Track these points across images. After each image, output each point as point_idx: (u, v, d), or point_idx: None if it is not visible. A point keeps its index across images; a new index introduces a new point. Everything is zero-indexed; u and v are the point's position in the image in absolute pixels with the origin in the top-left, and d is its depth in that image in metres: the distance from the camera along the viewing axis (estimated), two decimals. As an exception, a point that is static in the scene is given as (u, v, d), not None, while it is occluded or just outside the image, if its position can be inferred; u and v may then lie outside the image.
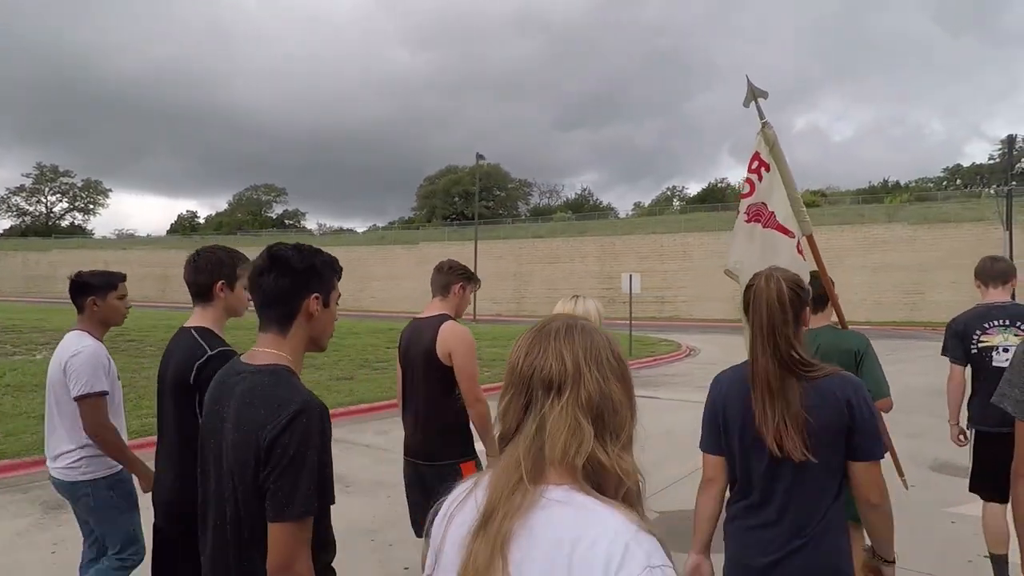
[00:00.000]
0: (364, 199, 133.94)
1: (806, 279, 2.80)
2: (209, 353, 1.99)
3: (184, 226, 72.38)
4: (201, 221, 74.98)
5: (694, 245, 37.67)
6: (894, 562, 1.74)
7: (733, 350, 19.20)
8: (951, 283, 31.42)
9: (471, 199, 62.58)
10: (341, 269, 1.59)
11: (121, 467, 2.59)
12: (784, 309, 1.65)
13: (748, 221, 3.01)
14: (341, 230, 70.11)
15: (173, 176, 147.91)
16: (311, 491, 1.31)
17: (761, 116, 3.00)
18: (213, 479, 1.44)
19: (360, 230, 63.94)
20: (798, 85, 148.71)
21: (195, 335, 2.07)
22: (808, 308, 1.77)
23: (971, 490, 3.39)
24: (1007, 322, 3.25)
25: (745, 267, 2.89)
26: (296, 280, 1.46)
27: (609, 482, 0.88)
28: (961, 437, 3.52)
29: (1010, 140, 27.04)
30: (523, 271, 42.35)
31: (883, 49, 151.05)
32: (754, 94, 3.01)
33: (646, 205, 66.52)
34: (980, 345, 3.30)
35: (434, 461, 2.78)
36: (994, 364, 3.23)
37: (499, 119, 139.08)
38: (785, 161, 3.00)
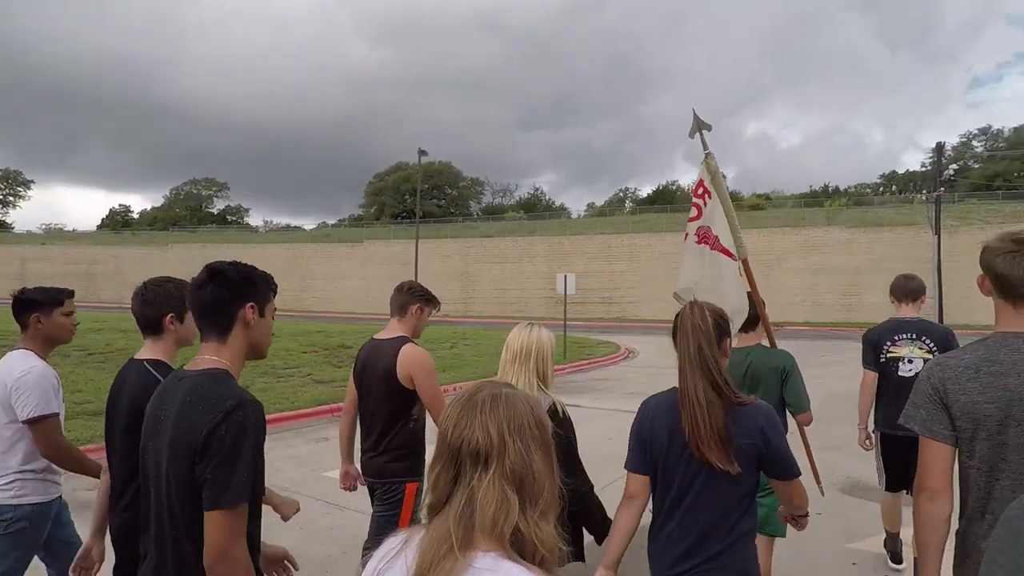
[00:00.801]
0: (321, 196, 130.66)
1: (745, 300, 3.01)
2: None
3: (116, 221, 68.24)
4: (135, 216, 71.04)
5: (641, 246, 37.69)
6: (807, 515, 2.00)
7: (668, 349, 19.37)
8: (885, 285, 32.12)
9: (422, 196, 61.37)
10: (276, 286, 1.69)
11: (51, 499, 2.52)
12: (709, 333, 1.79)
13: (699, 243, 3.10)
14: (288, 227, 67.59)
15: (119, 170, 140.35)
16: (245, 480, 1.39)
17: (705, 147, 3.12)
18: (152, 483, 1.50)
19: (309, 227, 61.77)
20: (749, 93, 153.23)
21: (148, 367, 2.06)
22: (728, 339, 1.91)
23: (880, 483, 3.75)
24: (914, 336, 3.52)
25: (702, 288, 2.92)
26: (232, 290, 1.56)
27: (527, 549, 0.96)
28: (867, 442, 3.77)
29: (939, 147, 27.92)
30: (471, 271, 41.55)
31: (829, 62, 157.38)
32: (699, 126, 3.13)
33: (599, 206, 66.72)
34: (888, 355, 3.57)
35: (386, 478, 2.83)
36: (899, 374, 3.51)
37: (461, 118, 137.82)
38: (725, 189, 3.16)
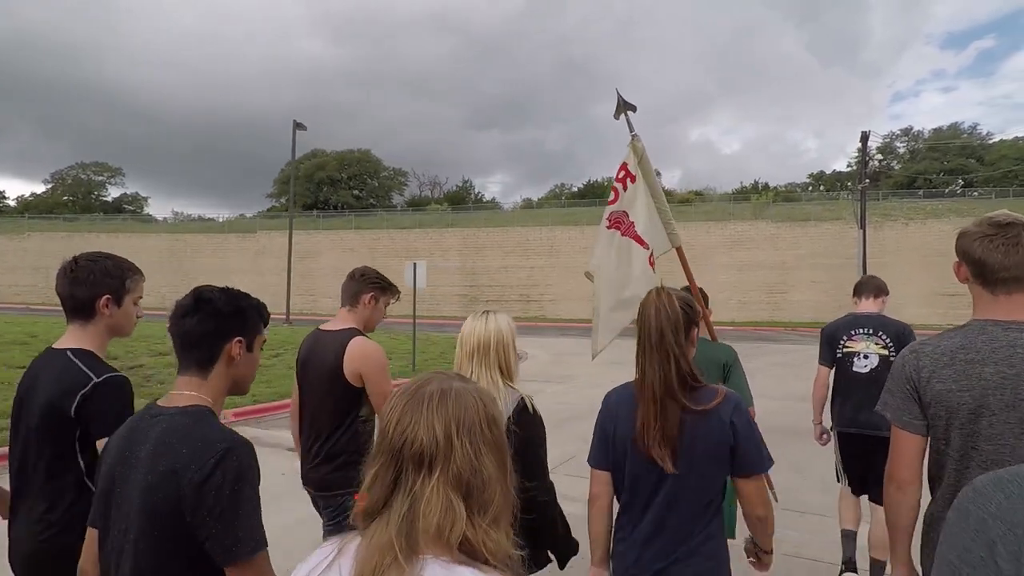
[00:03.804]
0: (259, 190, 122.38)
1: (644, 289, 2.87)
2: (95, 380, 1.68)
3: (-15, 208, 60.04)
4: (12, 203, 62.81)
5: (561, 239, 34.92)
6: (771, 552, 1.86)
7: (565, 356, 16.35)
8: (811, 282, 31.07)
9: (338, 185, 56.84)
10: (268, 316, 1.58)
11: None
12: (674, 320, 1.68)
13: (609, 227, 3.06)
14: (201, 219, 61.35)
15: (40, 158, 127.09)
16: (255, 525, 1.29)
17: (631, 129, 3.09)
18: (117, 531, 1.34)
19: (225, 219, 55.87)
20: (694, 100, 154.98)
21: (73, 359, 1.73)
22: (696, 329, 1.79)
23: (839, 480, 3.67)
24: (871, 331, 3.44)
25: (602, 272, 3.01)
26: (220, 323, 1.43)
27: (477, 559, 0.88)
28: (824, 437, 3.74)
29: (864, 137, 26.49)
30: (377, 266, 37.43)
31: (768, 73, 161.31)
32: (623, 107, 3.11)
33: (532, 200, 63.72)
34: (844, 350, 3.50)
35: (329, 491, 2.53)
36: (854, 369, 3.45)
37: (411, 115, 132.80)
38: (652, 173, 3.03)
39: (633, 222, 2.95)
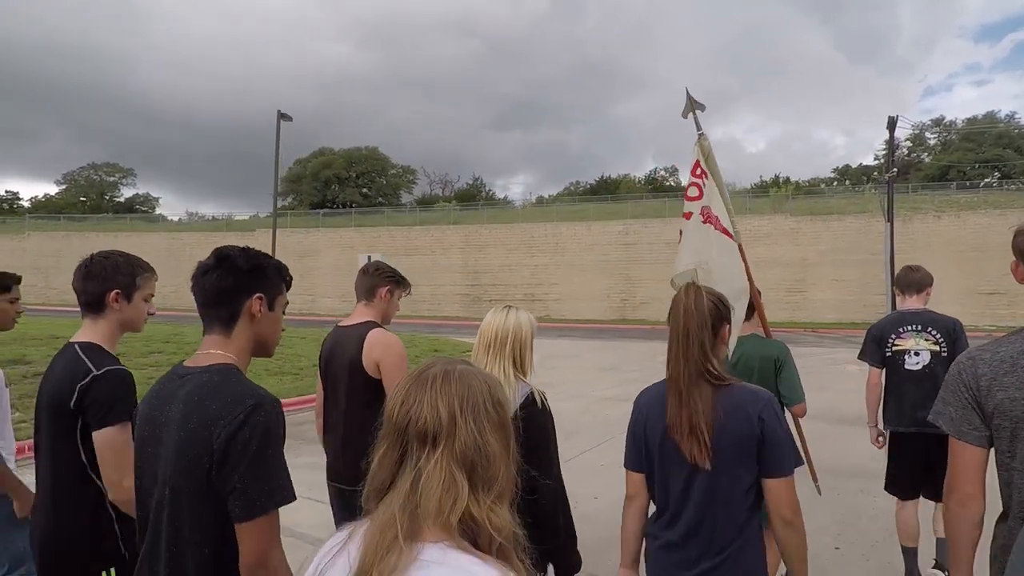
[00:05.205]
0: (270, 189, 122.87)
1: (747, 281, 3.08)
2: (94, 373, 1.76)
3: (1, 209, 60.58)
4: (26, 204, 63.25)
5: (567, 236, 33.31)
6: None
7: (554, 359, 14.52)
8: (833, 280, 29.10)
9: (345, 184, 56.02)
10: (291, 278, 1.59)
11: None
12: (701, 316, 1.69)
13: (704, 222, 3.07)
14: (214, 219, 61.17)
15: (58, 160, 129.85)
16: (283, 481, 1.30)
17: (698, 127, 3.16)
18: (149, 494, 1.38)
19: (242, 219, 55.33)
20: (717, 98, 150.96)
21: (79, 352, 1.83)
22: (728, 325, 1.79)
23: (886, 489, 3.59)
24: (919, 327, 3.41)
25: (712, 268, 2.96)
26: (240, 279, 1.45)
27: (482, 536, 0.89)
28: (880, 439, 3.66)
29: (892, 123, 24.40)
30: (378, 264, 36.58)
31: (792, 71, 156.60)
32: (692, 106, 3.18)
33: (545, 197, 62.06)
34: (894, 349, 3.46)
35: (359, 484, 2.38)
36: (905, 367, 3.40)
37: (428, 118, 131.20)
38: (718, 172, 3.11)
39: (718, 216, 3.03)
